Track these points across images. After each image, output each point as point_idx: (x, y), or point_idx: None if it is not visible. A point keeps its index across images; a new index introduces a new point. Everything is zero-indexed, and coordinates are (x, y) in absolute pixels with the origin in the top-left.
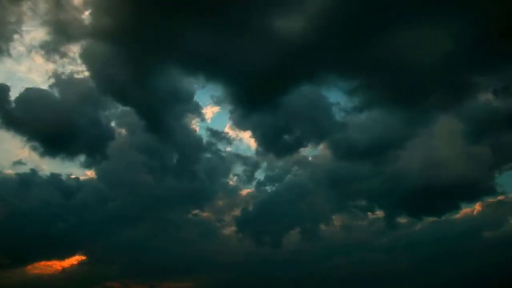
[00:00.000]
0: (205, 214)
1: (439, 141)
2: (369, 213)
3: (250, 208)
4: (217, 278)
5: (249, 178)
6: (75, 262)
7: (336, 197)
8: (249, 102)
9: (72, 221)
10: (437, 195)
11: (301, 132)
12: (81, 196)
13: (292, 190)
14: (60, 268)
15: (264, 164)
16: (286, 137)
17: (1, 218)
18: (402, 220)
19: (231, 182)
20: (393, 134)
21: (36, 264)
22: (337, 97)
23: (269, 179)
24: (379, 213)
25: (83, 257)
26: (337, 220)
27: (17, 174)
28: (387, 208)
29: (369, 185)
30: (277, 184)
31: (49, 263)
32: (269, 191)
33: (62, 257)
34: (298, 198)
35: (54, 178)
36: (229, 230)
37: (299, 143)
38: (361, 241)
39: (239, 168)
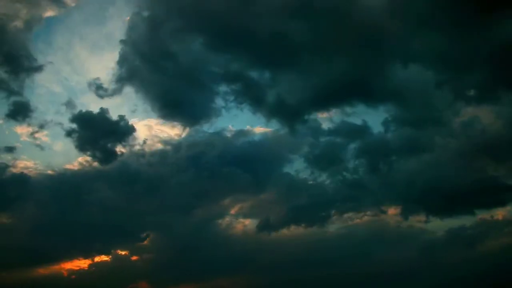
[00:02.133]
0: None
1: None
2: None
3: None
4: (268, 277)
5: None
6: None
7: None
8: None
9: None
10: (455, 198)
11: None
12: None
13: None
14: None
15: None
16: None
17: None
18: (421, 219)
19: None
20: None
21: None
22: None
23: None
24: (397, 211)
25: (127, 252)
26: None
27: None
28: (406, 209)
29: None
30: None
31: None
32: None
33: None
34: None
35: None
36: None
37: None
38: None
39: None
